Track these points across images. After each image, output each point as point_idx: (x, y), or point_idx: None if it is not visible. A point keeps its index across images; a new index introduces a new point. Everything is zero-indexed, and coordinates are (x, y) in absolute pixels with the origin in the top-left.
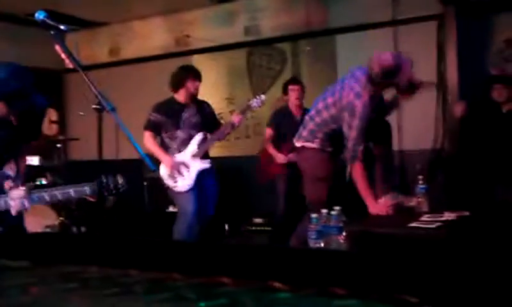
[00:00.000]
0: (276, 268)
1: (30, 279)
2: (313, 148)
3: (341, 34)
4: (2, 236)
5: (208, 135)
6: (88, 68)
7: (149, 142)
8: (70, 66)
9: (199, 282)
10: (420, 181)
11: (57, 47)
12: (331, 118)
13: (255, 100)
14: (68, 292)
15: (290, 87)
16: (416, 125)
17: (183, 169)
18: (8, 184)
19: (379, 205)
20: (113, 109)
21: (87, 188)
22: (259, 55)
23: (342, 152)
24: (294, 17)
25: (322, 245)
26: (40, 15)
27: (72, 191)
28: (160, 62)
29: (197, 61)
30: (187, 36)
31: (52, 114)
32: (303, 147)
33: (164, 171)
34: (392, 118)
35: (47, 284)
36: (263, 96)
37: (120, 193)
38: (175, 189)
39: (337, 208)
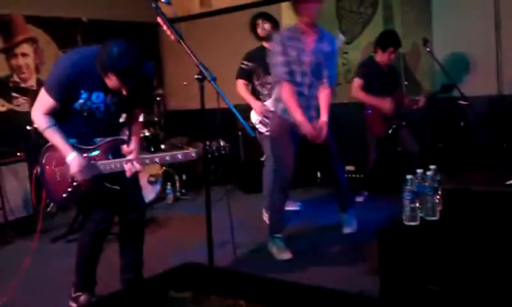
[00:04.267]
0: None
1: None
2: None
3: None
4: (173, 270)
5: None
6: (179, 20)
7: (241, 90)
8: (172, 37)
9: None
10: None
11: (159, 19)
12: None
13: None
14: None
15: (390, 49)
16: None
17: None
18: (124, 148)
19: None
20: (214, 79)
21: (193, 153)
22: (349, 0)
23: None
24: None
25: (417, 205)
26: None
27: (179, 155)
28: (249, 11)
29: (286, 8)
30: None
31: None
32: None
33: (255, 117)
34: (490, 61)
35: None
36: (341, 36)
37: (222, 155)
38: (266, 134)
39: (432, 167)
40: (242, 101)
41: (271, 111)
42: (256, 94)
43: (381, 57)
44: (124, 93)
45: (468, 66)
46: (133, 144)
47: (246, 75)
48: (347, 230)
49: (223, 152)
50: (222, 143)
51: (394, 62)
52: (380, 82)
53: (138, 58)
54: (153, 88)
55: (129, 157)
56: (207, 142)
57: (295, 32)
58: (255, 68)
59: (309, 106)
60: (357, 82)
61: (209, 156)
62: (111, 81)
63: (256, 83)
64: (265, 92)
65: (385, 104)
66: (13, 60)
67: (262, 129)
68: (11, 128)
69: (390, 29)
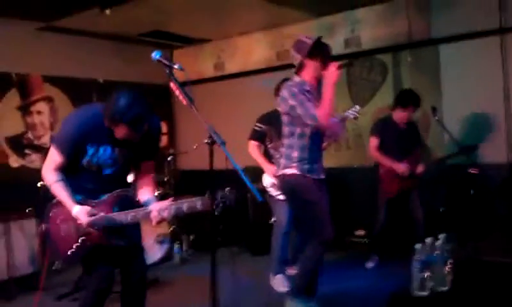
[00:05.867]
0: None
1: None
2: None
3: (444, 43)
4: None
5: None
6: (193, 83)
7: (254, 152)
8: (184, 102)
9: None
10: None
11: (172, 84)
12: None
13: (349, 111)
14: None
15: (410, 108)
16: None
17: None
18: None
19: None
20: (223, 143)
21: (198, 204)
22: (359, 67)
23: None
24: (395, 28)
25: (427, 274)
26: (155, 56)
27: (184, 207)
28: (262, 76)
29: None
30: (288, 50)
31: (163, 126)
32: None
33: (267, 180)
34: (499, 124)
35: None
36: (357, 107)
37: (228, 206)
38: (278, 198)
39: (442, 235)
40: (253, 162)
41: (293, 174)
42: (268, 157)
43: (399, 115)
44: (135, 140)
45: (477, 133)
46: (152, 198)
47: (258, 136)
48: None
49: (228, 203)
50: (228, 194)
51: (416, 120)
52: (397, 140)
53: (145, 105)
54: (159, 138)
55: (151, 208)
56: (213, 193)
57: (305, 85)
58: (269, 131)
59: (320, 158)
60: (372, 141)
61: (215, 207)
62: (121, 131)
63: (269, 146)
64: (277, 155)
65: (399, 166)
66: (29, 118)
67: (274, 192)
68: (22, 185)
69: (409, 89)
